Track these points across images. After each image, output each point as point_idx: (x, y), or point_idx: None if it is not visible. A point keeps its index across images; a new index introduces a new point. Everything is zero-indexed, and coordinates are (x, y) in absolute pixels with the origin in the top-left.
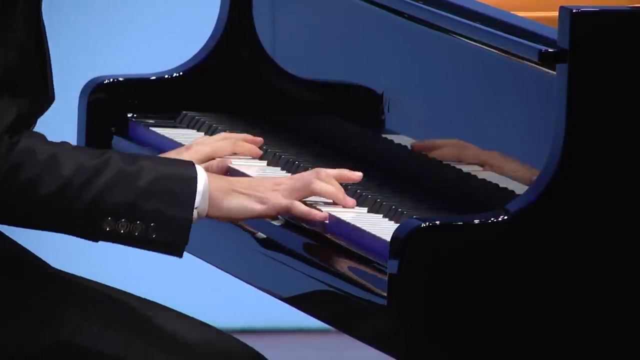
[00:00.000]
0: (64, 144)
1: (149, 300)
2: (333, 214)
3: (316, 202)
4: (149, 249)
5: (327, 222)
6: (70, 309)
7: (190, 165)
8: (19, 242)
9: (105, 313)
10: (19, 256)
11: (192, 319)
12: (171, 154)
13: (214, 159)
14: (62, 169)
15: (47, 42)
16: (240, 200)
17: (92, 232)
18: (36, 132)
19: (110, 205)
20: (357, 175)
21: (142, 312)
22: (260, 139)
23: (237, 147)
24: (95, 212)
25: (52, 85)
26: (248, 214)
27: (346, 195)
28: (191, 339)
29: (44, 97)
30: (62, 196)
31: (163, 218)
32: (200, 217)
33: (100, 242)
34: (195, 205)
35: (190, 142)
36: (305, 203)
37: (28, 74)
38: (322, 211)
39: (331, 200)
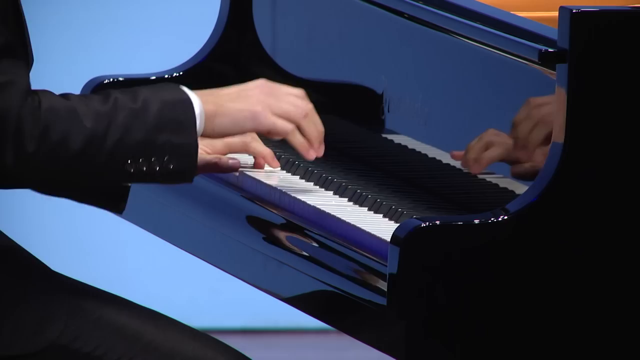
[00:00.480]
0: (70, 95)
1: (142, 306)
2: (333, 213)
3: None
4: (166, 182)
5: (326, 221)
6: (70, 312)
7: (179, 88)
8: (20, 243)
9: (106, 319)
10: (18, 257)
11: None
12: None
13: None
14: (84, 121)
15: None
16: (229, 118)
17: (120, 176)
18: (44, 90)
19: (132, 145)
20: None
21: (141, 319)
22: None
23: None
24: (119, 156)
25: (31, 49)
26: (238, 131)
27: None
28: (190, 348)
29: (28, 63)
30: (92, 147)
31: (173, 148)
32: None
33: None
34: (197, 128)
35: None
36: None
37: (18, 39)
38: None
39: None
